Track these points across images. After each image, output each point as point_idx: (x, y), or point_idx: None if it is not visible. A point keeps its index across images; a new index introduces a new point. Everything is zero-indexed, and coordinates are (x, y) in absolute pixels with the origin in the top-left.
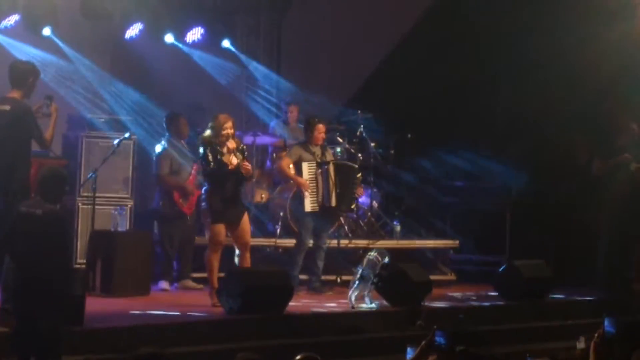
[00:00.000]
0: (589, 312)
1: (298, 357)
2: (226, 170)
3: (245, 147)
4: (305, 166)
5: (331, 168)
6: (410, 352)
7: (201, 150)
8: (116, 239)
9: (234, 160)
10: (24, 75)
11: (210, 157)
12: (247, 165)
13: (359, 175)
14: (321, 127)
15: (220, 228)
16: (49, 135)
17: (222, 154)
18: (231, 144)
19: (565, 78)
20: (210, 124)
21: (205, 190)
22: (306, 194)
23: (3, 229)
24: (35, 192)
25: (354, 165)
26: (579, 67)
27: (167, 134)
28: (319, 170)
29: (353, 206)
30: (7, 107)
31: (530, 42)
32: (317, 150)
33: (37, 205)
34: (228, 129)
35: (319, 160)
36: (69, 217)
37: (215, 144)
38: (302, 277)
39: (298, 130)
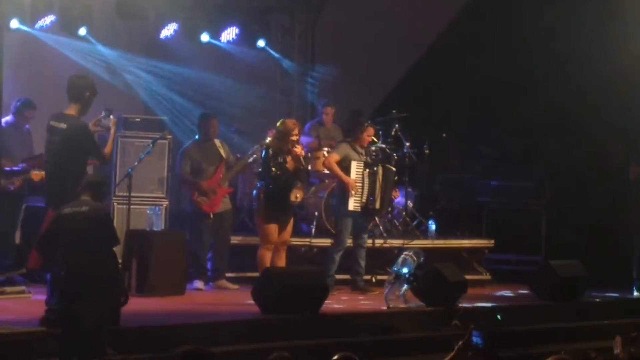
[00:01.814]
0: (624, 311)
1: (335, 356)
2: (288, 177)
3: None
4: (354, 165)
5: (380, 171)
6: None
7: (264, 154)
8: (151, 239)
9: (292, 165)
10: (81, 90)
11: (272, 164)
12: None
13: (396, 177)
14: (371, 131)
15: (274, 228)
16: (108, 149)
17: (285, 161)
18: (298, 150)
19: (601, 79)
20: (277, 129)
21: (259, 192)
22: (351, 192)
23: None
24: (79, 194)
25: (393, 167)
26: (614, 68)
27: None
28: (367, 171)
29: (391, 207)
30: (64, 125)
31: (565, 42)
32: (363, 151)
33: (82, 204)
34: (295, 135)
35: (365, 161)
36: None
37: (279, 152)
38: (344, 277)
39: (334, 131)
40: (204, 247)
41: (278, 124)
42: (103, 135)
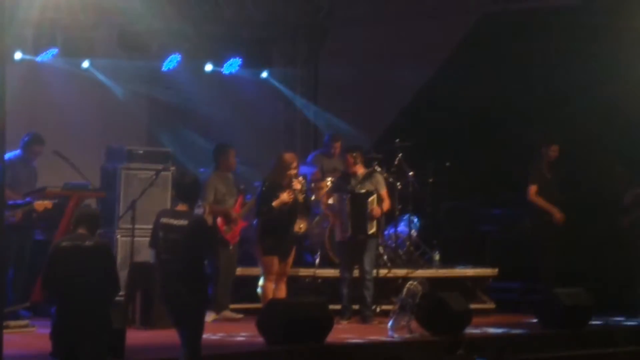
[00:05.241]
0: (630, 339)
1: None
2: (276, 214)
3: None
4: (332, 198)
5: (348, 199)
6: None
7: (259, 190)
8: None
9: (287, 198)
10: (192, 188)
11: (265, 200)
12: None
13: (371, 198)
14: (347, 157)
15: (274, 259)
16: None
17: (277, 198)
18: (297, 185)
19: (601, 108)
20: (275, 162)
21: (257, 225)
22: (336, 224)
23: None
24: (74, 227)
25: (364, 191)
26: (614, 97)
27: (214, 164)
28: (340, 201)
29: (372, 230)
30: (184, 222)
31: (564, 74)
32: (356, 180)
33: (84, 239)
34: (293, 169)
35: (349, 190)
36: None
37: (276, 186)
38: (337, 307)
39: (338, 162)
40: (225, 277)
41: (277, 157)
42: None
